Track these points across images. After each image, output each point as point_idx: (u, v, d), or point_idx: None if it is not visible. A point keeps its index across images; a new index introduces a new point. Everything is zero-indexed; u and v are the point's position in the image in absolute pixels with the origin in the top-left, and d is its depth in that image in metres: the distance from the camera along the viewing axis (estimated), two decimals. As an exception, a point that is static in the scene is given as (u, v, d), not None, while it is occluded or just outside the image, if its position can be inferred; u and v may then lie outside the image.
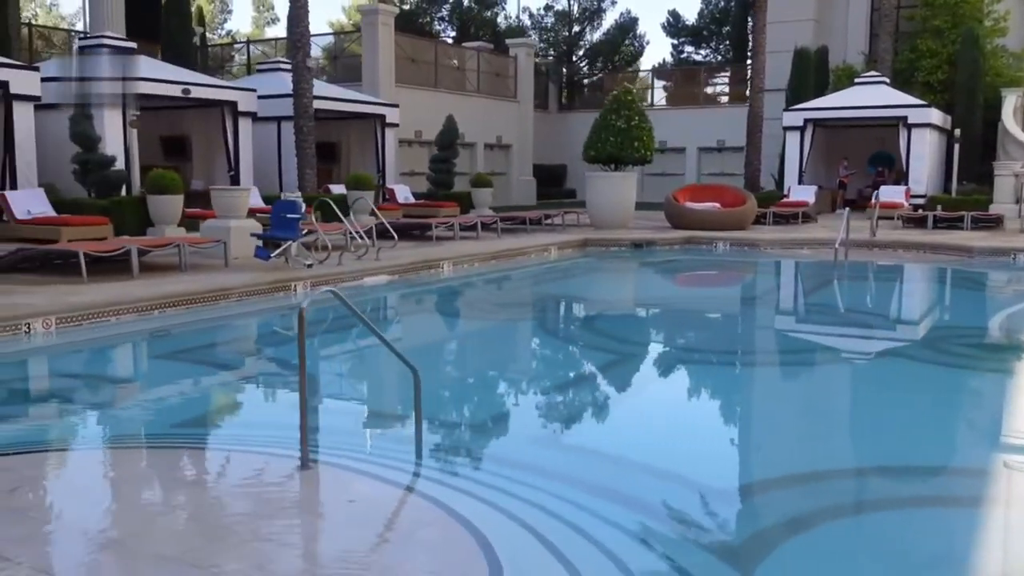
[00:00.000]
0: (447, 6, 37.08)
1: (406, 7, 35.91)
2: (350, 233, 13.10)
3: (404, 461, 4.97)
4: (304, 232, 12.09)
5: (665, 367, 8.84)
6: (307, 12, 20.04)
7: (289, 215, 11.60)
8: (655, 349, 9.95)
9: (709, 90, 37.20)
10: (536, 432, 6.16)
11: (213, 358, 8.51)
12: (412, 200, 22.69)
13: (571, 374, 8.43)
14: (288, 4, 20.24)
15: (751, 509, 4.70)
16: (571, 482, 4.82)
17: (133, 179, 16.74)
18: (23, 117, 15.75)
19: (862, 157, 27.58)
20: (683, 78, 37.15)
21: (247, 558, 3.60)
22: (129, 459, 5.01)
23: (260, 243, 12.09)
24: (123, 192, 16.42)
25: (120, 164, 16.60)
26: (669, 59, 42.46)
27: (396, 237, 13.82)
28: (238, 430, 5.85)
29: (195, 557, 3.64)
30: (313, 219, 12.43)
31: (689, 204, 19.58)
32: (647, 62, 50.91)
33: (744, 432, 6.49)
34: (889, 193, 23.32)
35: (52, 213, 15.27)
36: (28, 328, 8.30)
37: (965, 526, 4.39)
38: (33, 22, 35.29)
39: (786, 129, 25.29)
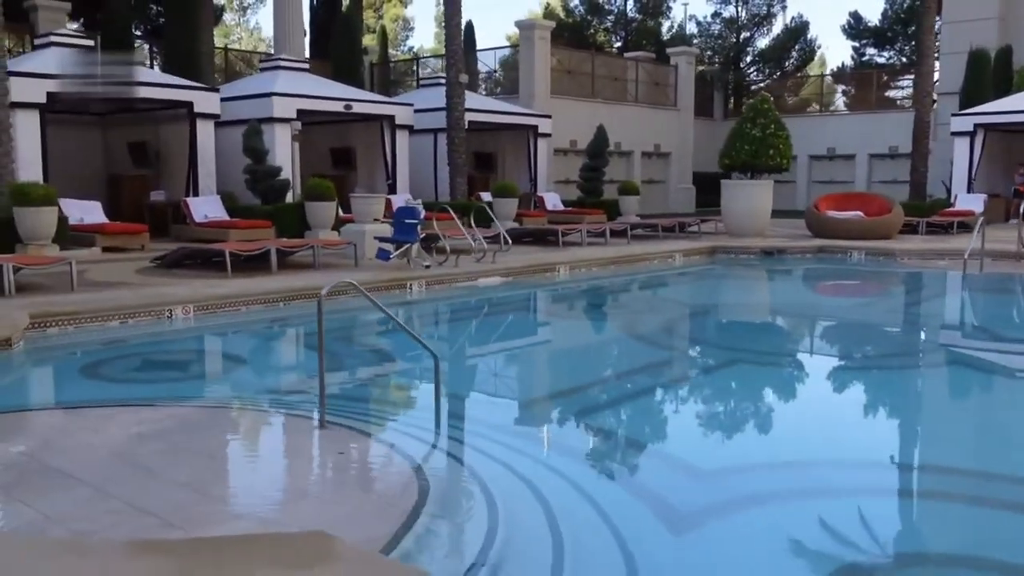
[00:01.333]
0: (611, 17, 37.80)
1: (570, 20, 36.93)
2: (474, 237, 14.16)
3: (408, 426, 5.84)
4: (423, 235, 13.23)
5: (702, 365, 9.21)
6: (460, 31, 21.41)
7: (408, 220, 12.77)
8: (698, 349, 10.27)
9: (892, 94, 35.79)
10: (538, 408, 6.86)
11: (307, 341, 9.71)
12: (561, 207, 23.60)
13: (605, 369, 8.98)
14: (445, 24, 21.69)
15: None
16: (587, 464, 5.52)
17: (296, 187, 18.59)
18: (204, 133, 17.96)
19: (1046, 164, 25.81)
20: (858, 82, 35.95)
21: (233, 485, 4.58)
22: (197, 414, 6.15)
23: (392, 246, 13.31)
24: (288, 199, 18.29)
25: (287, 173, 18.49)
26: (849, 62, 41.14)
27: (510, 242, 14.74)
28: (291, 397, 6.92)
29: (199, 484, 4.66)
30: (435, 224, 13.53)
31: (830, 213, 19.31)
32: (823, 65, 49.14)
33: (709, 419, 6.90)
34: (1066, 202, 21.84)
35: (225, 217, 17.33)
36: (170, 314, 9.83)
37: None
38: (231, 45, 39.00)
39: (954, 135, 24.18)
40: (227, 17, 41.77)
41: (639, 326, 11.54)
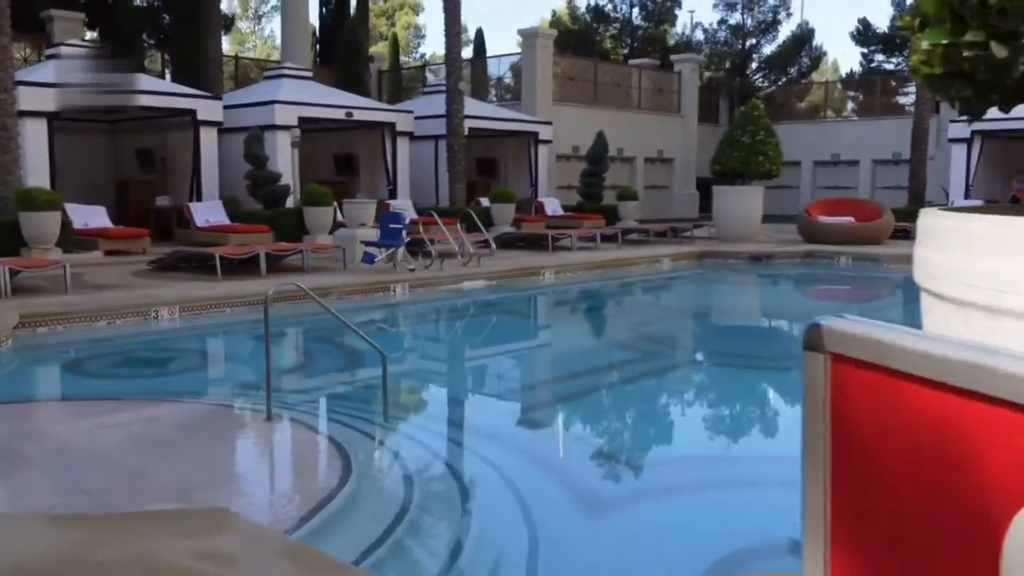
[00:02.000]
0: (616, 25, 38.13)
1: (577, 28, 37.32)
2: (460, 241, 14.58)
3: (352, 419, 6.27)
4: (408, 240, 13.67)
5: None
6: (460, 40, 21.89)
7: (393, 225, 13.23)
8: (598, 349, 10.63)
9: (902, 100, 35.83)
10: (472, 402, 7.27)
11: (275, 340, 10.14)
12: (561, 212, 23.99)
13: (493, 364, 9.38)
14: (445, 34, 22.15)
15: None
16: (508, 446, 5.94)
17: (296, 192, 19.09)
18: (208, 140, 18.52)
19: (1047, 170, 25.88)
20: (865, 88, 36.08)
21: (174, 470, 5.02)
22: (157, 407, 6.61)
23: (380, 250, 13.76)
24: (289, 203, 18.79)
25: (287, 179, 19.00)
26: (858, 68, 41.21)
27: (494, 246, 15.13)
28: (247, 392, 7.38)
29: (144, 470, 5.10)
30: (420, 229, 13.98)
31: (821, 218, 19.58)
32: (835, 71, 49.15)
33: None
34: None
35: (227, 222, 17.86)
36: (156, 315, 10.31)
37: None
38: (246, 53, 39.75)
39: (951, 141, 24.35)
40: (243, 25, 42.50)
41: (589, 328, 11.94)
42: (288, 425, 6.02)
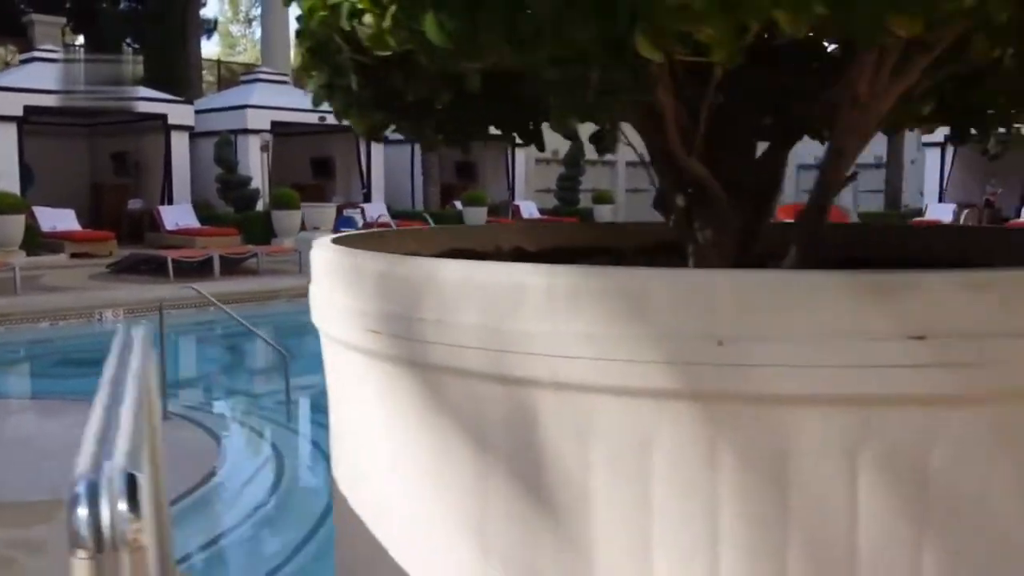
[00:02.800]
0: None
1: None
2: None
3: (250, 417, 6.49)
4: (361, 244, 13.91)
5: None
6: (433, 45, 22.07)
7: (344, 230, 13.45)
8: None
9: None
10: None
11: (208, 341, 10.40)
12: (537, 216, 24.18)
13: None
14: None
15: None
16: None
17: (265, 196, 19.33)
18: (179, 143, 18.78)
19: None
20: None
21: (52, 466, 5.23)
22: (58, 405, 6.81)
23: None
24: (260, 207, 19.02)
25: (257, 183, 19.24)
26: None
27: (448, 250, 15.36)
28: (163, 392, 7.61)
29: (24, 467, 5.32)
30: (376, 233, 14.23)
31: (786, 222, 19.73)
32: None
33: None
34: (1033, 213, 22.12)
35: (196, 225, 18.10)
36: (100, 316, 10.55)
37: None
38: (236, 57, 39.96)
39: (925, 146, 24.50)
40: (234, 29, 42.83)
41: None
42: (179, 425, 6.23)
